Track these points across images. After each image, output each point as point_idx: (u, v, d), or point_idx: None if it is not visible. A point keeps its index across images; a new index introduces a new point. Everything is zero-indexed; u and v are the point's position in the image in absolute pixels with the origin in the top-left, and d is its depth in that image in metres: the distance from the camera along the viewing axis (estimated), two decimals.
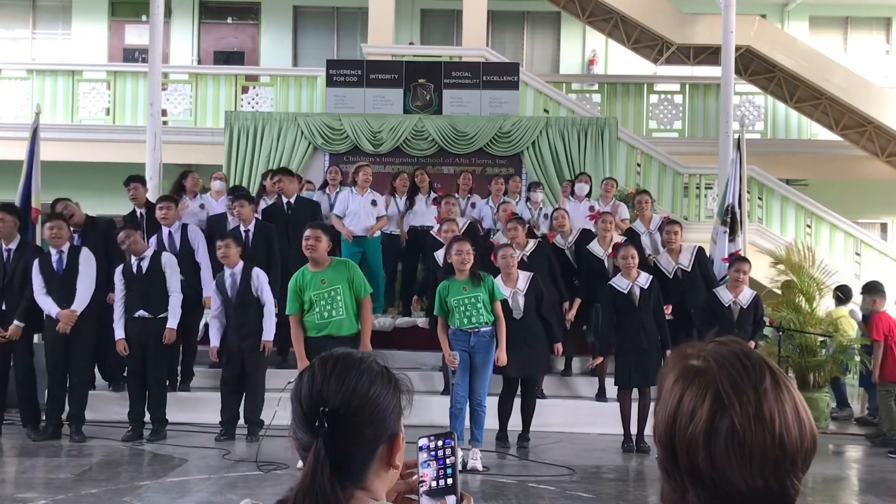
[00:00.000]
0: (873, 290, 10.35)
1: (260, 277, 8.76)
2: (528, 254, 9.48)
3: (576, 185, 11.49)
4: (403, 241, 11.20)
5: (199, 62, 19.13)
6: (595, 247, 9.88)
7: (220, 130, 14.11)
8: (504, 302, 8.29)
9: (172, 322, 8.86)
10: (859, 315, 10.85)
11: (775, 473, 1.28)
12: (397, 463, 1.61)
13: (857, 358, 10.74)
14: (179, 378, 9.79)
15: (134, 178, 10.50)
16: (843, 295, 11.64)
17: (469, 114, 13.60)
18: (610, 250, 9.56)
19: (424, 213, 11.17)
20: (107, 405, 9.63)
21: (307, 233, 7.68)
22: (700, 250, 10.06)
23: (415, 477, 1.72)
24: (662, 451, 1.34)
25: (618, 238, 9.80)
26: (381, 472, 1.60)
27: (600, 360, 9.29)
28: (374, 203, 10.82)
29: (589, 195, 11.46)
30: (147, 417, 8.93)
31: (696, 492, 1.30)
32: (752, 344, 8.77)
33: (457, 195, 11.24)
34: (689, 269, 9.76)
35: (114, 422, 9.28)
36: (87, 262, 8.85)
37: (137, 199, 10.25)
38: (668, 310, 9.27)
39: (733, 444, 1.27)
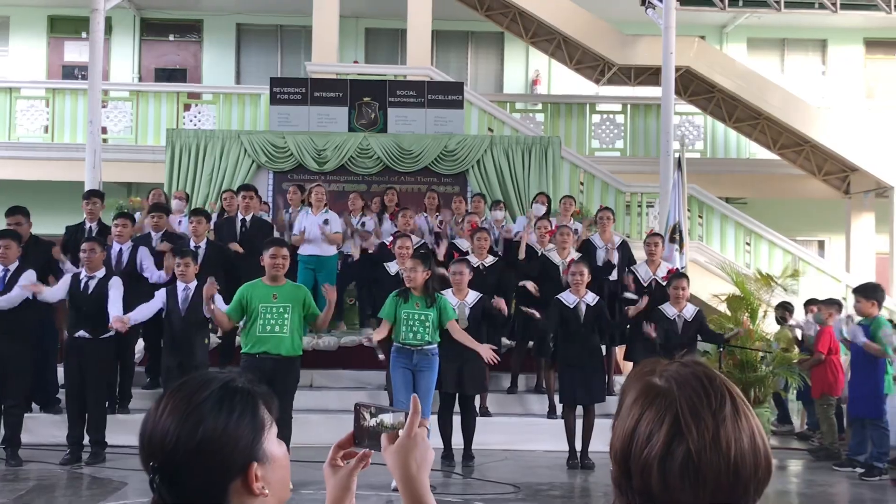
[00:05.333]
0: (831, 303, 10.63)
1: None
2: (486, 264, 9.74)
3: (533, 205, 11.61)
4: (360, 250, 11.04)
5: (141, 79, 18.92)
6: (553, 255, 10.08)
7: (162, 148, 13.95)
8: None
9: (122, 316, 8.49)
10: (811, 329, 10.99)
11: (728, 500, 1.28)
12: (257, 490, 1.49)
13: (797, 373, 10.90)
14: (118, 400, 9.62)
15: (93, 192, 10.59)
16: (787, 313, 11.79)
17: (414, 132, 13.61)
18: (566, 264, 9.70)
19: (391, 232, 11.16)
20: (43, 428, 9.40)
21: (273, 251, 7.64)
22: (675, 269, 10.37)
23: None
24: (617, 468, 1.34)
25: (574, 254, 9.96)
26: (247, 500, 1.50)
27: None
28: (326, 222, 10.83)
29: (547, 215, 11.50)
30: (86, 440, 8.74)
31: None
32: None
33: (425, 213, 11.54)
34: (664, 283, 9.94)
35: (51, 445, 9.05)
36: (28, 279, 8.64)
37: (94, 214, 10.15)
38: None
39: (688, 470, 1.27)
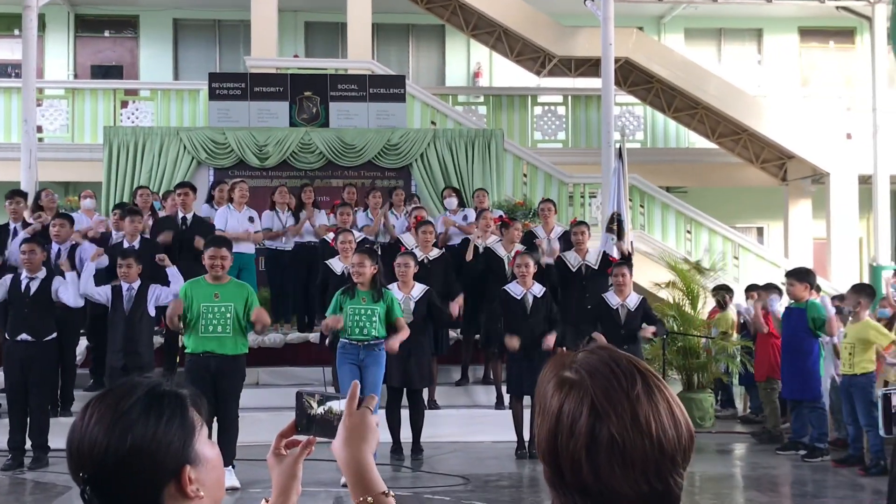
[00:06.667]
0: (770, 287, 10.71)
1: (157, 289, 8.58)
2: (430, 258, 9.72)
3: (445, 200, 11.67)
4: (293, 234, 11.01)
5: (76, 77, 18.59)
6: (499, 248, 10.14)
7: (99, 146, 13.72)
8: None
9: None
10: (751, 312, 11.14)
11: (658, 475, 1.30)
12: (192, 493, 1.48)
13: (738, 358, 11.09)
14: (60, 403, 9.46)
15: (16, 192, 10.41)
16: (727, 295, 11.96)
17: (356, 126, 13.57)
18: (511, 257, 9.74)
19: (310, 230, 11.10)
20: None
21: (212, 251, 7.56)
22: (606, 254, 10.45)
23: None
24: (548, 467, 1.35)
25: (519, 247, 10.03)
26: (182, 502, 1.49)
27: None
28: (251, 220, 10.76)
29: (462, 206, 11.67)
30: (28, 445, 8.59)
31: None
32: (653, 330, 9.22)
33: (353, 207, 11.38)
34: (595, 268, 10.06)
35: None
36: None
37: (17, 214, 10.00)
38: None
39: (614, 454, 1.29)
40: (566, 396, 1.34)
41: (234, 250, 10.41)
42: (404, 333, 8.08)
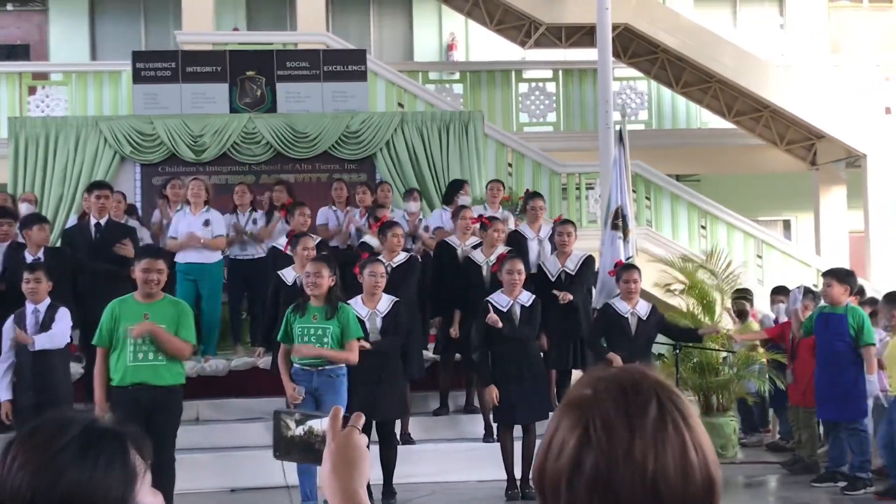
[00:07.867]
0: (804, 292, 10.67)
1: (61, 313, 8.44)
2: (393, 265, 9.62)
3: (460, 197, 11.62)
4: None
5: None
6: (477, 254, 10.07)
7: (4, 141, 13.63)
8: (361, 322, 8.31)
9: None
10: (771, 319, 11.16)
11: None
12: None
13: (767, 375, 11.09)
14: None
15: None
16: (747, 303, 11.98)
17: (309, 111, 13.52)
18: (494, 261, 9.67)
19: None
20: None
21: (146, 263, 7.46)
22: (589, 259, 10.36)
23: None
24: (537, 492, 1.37)
25: (503, 249, 9.98)
26: None
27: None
28: (206, 223, 10.69)
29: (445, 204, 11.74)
30: None
31: None
32: None
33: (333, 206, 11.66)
34: (573, 274, 10.04)
35: None
36: None
37: None
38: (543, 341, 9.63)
39: (596, 485, 1.28)
40: (566, 414, 1.35)
41: (191, 260, 10.48)
42: (348, 356, 8.00)
